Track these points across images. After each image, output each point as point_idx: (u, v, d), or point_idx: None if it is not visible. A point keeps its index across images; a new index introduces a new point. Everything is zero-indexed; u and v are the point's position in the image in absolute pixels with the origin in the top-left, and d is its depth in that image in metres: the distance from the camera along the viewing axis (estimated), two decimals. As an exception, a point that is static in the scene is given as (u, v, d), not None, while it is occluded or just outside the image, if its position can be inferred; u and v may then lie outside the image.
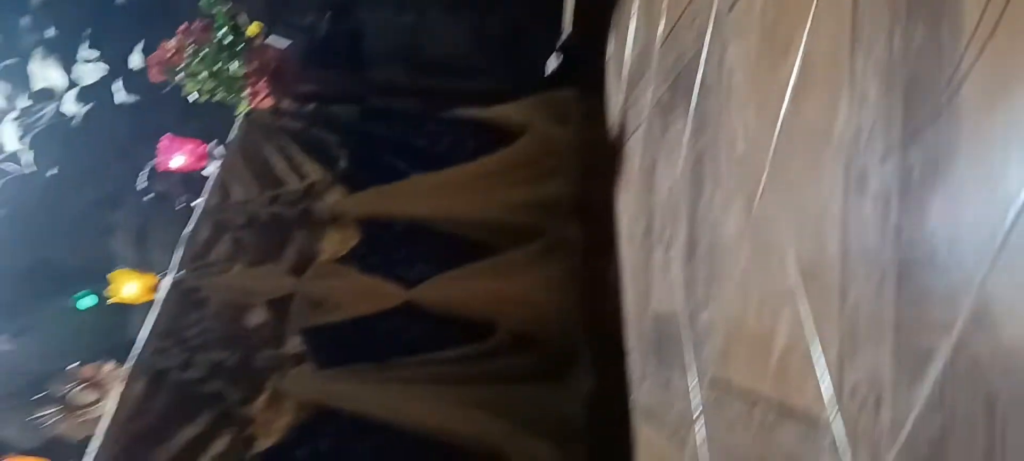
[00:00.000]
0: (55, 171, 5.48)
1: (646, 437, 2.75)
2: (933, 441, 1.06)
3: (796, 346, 1.52)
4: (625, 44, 3.59)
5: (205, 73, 4.27)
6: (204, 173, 4.46)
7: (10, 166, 5.58)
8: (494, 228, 4.27)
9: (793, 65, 1.60)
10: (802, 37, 1.56)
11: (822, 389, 1.39)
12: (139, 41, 5.53)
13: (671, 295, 2.45)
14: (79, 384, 4.20)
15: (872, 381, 1.22)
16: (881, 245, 1.22)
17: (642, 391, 2.84)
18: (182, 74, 4.33)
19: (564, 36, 5.12)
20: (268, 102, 4.42)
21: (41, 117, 5.54)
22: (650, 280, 2.78)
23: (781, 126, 1.66)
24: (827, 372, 1.38)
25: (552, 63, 5.17)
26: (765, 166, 1.73)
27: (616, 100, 3.81)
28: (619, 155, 3.63)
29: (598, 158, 4.12)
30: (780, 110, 1.65)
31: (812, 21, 1.53)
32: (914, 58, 1.17)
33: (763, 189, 1.73)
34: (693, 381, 2.18)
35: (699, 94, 2.28)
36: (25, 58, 5.86)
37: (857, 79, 1.33)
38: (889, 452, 1.16)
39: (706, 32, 2.22)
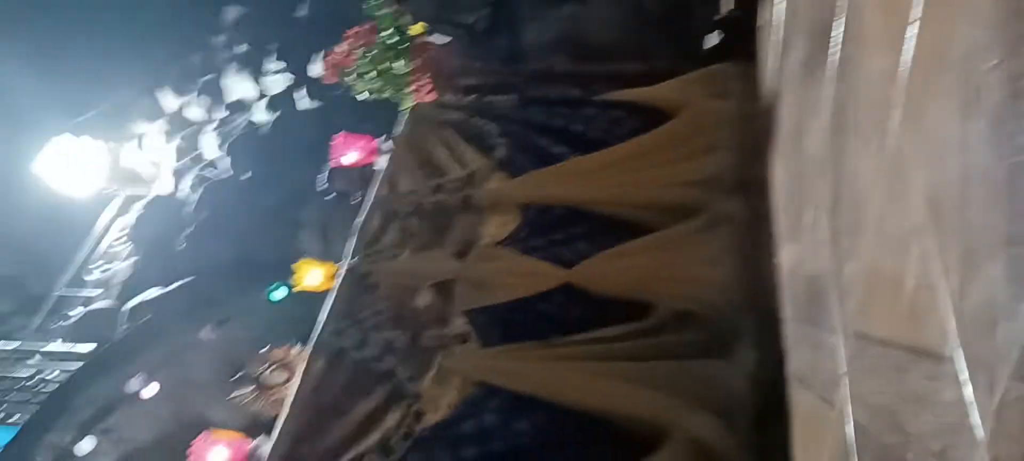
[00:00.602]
0: (248, 175, 5.99)
1: (801, 402, 2.67)
2: (1043, 355, 1.00)
3: (924, 283, 1.45)
4: (774, 9, 3.48)
5: (373, 73, 4.55)
6: (375, 167, 4.75)
7: (210, 172, 6.16)
8: (653, 206, 4.24)
9: (915, -9, 1.52)
10: (922, -41, 1.49)
11: (945, 322, 1.32)
12: (319, 51, 5.95)
13: (819, 254, 2.37)
14: (271, 366, 4.59)
15: (987, 302, 1.16)
16: (994, 159, 1.16)
17: (796, 357, 2.75)
18: (353, 75, 4.63)
19: (723, 11, 5.02)
20: (431, 96, 4.64)
21: (236, 126, 6.08)
22: (801, 243, 2.69)
23: (907, 58, 1.58)
24: (950, 303, 1.32)
25: (711, 39, 5.07)
26: (896, 103, 1.65)
27: (768, 67, 3.70)
28: (773, 122, 3.52)
29: (757, 130, 4.00)
30: (906, 40, 1.58)
31: (929, -61, 1.45)
32: (1018, -45, 1.10)
33: (894, 127, 1.66)
34: (839, 338, 2.10)
35: (837, 44, 2.19)
36: (220, 74, 6.44)
37: (970, -8, 1.26)
38: (1004, 372, 1.09)
39: (842, -24, 2.14)
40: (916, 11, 1.56)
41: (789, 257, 2.99)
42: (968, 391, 1.21)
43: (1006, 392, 1.06)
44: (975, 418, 1.16)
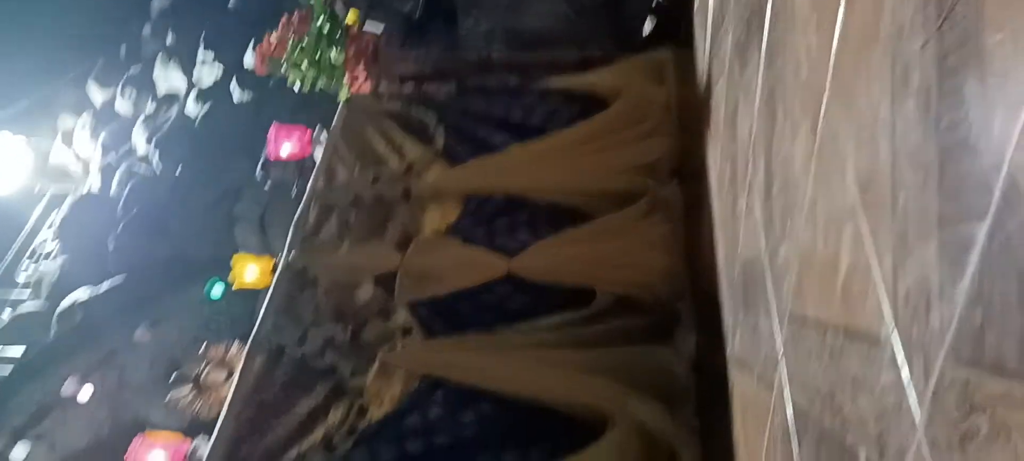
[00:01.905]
0: (180, 169, 5.83)
1: (740, 386, 2.69)
2: (975, 335, 1.00)
3: (857, 265, 1.45)
4: (708, -7, 3.49)
5: (306, 62, 4.45)
6: (312, 159, 4.65)
7: (140, 167, 5.99)
8: (593, 193, 4.26)
9: (844, -28, 1.52)
10: (850, -60, 1.49)
11: (880, 304, 1.33)
12: (250, 40, 5.80)
13: (754, 238, 2.38)
14: (208, 365, 4.49)
15: (921, 284, 1.16)
16: (924, 140, 1.16)
17: (735, 341, 2.77)
18: (285, 65, 4.52)
19: (657, -3, 5.04)
20: (367, 86, 4.55)
21: (166, 120, 5.91)
22: (737, 227, 2.71)
23: (837, 38, 1.58)
24: (883, 285, 1.32)
25: (647, 26, 5.09)
26: (826, 85, 1.65)
27: (703, 53, 3.72)
28: (707, 107, 3.54)
29: (694, 115, 4.03)
30: (836, 21, 1.58)
31: (857, -79, 1.45)
32: (944, -66, 1.10)
33: (825, 108, 1.66)
34: (775, 322, 2.11)
35: (769, 26, 2.20)
36: (149, 65, 6.26)
37: (897, -30, 1.26)
38: (938, 354, 1.10)
39: (772, -41, 2.14)
40: (845, -7, 1.56)
41: (726, 241, 3.01)
42: (904, 374, 1.21)
43: (941, 375, 1.06)
44: (912, 401, 1.16)
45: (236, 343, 4.35)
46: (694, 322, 3.74)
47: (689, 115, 4.09)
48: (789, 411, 1.94)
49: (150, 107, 5.92)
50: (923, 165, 1.16)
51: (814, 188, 1.73)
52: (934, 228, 1.12)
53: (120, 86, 7.33)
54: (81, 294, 6.92)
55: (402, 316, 4.00)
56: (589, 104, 4.49)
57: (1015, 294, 0.90)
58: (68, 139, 8.64)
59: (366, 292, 4.09)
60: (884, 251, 1.32)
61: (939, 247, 1.10)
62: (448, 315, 4.02)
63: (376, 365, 3.83)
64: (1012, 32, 0.92)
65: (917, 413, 1.15)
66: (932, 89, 1.13)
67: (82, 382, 6.07)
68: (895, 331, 1.27)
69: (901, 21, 1.25)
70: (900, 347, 1.24)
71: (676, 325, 3.86)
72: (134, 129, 5.91)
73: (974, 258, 1.00)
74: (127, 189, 6.60)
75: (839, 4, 1.56)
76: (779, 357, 2.08)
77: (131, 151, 6.22)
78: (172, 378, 4.47)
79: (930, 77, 1.13)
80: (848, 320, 1.51)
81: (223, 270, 4.85)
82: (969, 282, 1.01)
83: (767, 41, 2.23)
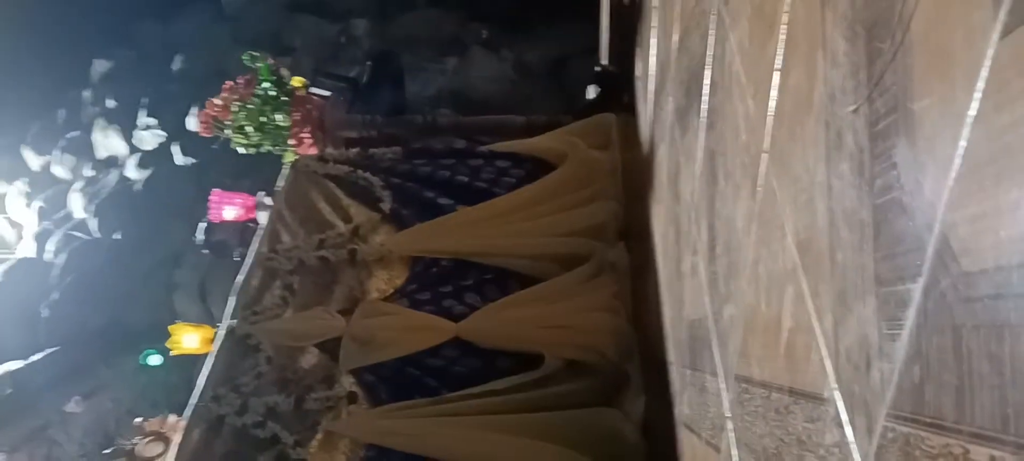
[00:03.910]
0: (119, 235, 5.71)
1: (689, 448, 2.68)
2: (914, 392, 1.01)
3: (799, 324, 1.47)
4: (648, 61, 3.58)
5: (251, 126, 4.42)
6: (255, 224, 4.59)
7: (79, 233, 5.84)
8: (540, 256, 4.26)
9: (779, 39, 1.57)
10: (785, 8, 1.54)
11: (823, 363, 1.34)
12: (194, 104, 5.76)
13: (699, 298, 2.40)
14: (145, 437, 4.32)
15: (861, 343, 1.18)
16: (859, 202, 1.19)
17: (683, 403, 2.78)
18: (230, 129, 4.49)
19: (601, 64, 5.15)
20: (312, 150, 4.54)
21: (105, 185, 5.79)
22: (682, 289, 2.73)
23: (774, 104, 1.63)
24: (825, 344, 1.34)
25: (591, 91, 5.19)
26: (764, 148, 1.70)
27: (645, 118, 3.80)
28: (651, 170, 3.60)
29: (637, 177, 4.10)
30: (772, 88, 1.63)
31: (790, -10, 1.51)
32: (872, 2, 1.14)
33: (764, 171, 1.70)
34: (722, 382, 2.12)
35: (708, 92, 2.25)
36: (88, 130, 6.15)
37: (828, 38, 1.30)
38: (880, 412, 1.11)
39: (710, 29, 2.21)
40: (778, 60, 1.61)
41: (672, 302, 3.04)
42: (848, 432, 1.22)
43: (884, 432, 1.07)
44: (856, 459, 1.17)
45: (172, 415, 4.21)
46: (643, 384, 3.74)
47: (634, 178, 4.15)
48: (737, 472, 1.94)
49: (88, 172, 5.79)
50: (859, 226, 1.19)
51: (756, 249, 1.76)
52: (872, 287, 1.14)
53: (57, 151, 7.19)
54: (12, 364, 6.67)
55: (347, 383, 3.93)
56: (535, 167, 4.53)
57: (951, 350, 0.92)
58: (1, 205, 8.40)
59: (310, 359, 4.02)
60: (824, 311, 1.34)
61: (877, 305, 1.13)
62: (394, 381, 3.96)
63: (320, 435, 3.75)
64: (939, 98, 0.96)
65: (862, 471, 1.16)
66: (865, 152, 1.16)
67: (10, 458, 5.81)
68: (837, 389, 1.28)
69: (833, 88, 1.29)
70: (843, 406, 1.25)
71: (625, 387, 3.86)
72: (71, 194, 5.77)
73: (911, 315, 1.02)
74: (63, 256, 6.42)
75: (774, 71, 1.61)
76: (726, 418, 2.08)
77: (68, 217, 6.06)
78: (106, 452, 4.30)
79: (863, 141, 1.17)
80: (792, 380, 1.52)
81: (161, 339, 4.73)
82: (907, 339, 1.03)
83: (706, 107, 2.29)
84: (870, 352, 1.15)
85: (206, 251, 5.11)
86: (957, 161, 0.91)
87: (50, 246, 6.86)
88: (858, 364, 1.20)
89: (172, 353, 4.42)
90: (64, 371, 5.77)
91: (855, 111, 1.19)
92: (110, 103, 5.88)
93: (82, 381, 5.01)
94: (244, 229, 4.81)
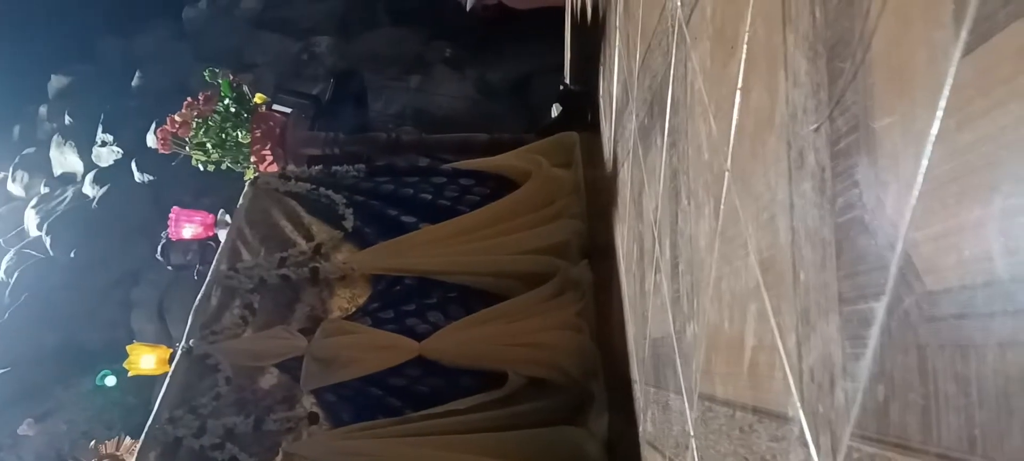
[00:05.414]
0: (73, 254, 5.59)
1: (652, 467, 2.67)
2: (879, 411, 1.01)
3: (762, 343, 1.47)
4: (612, 80, 3.59)
5: (210, 143, 4.36)
6: (214, 242, 4.52)
7: (32, 251, 5.70)
8: (503, 274, 4.26)
9: (740, 59, 1.58)
10: (745, 28, 1.55)
11: (786, 382, 1.34)
12: (152, 121, 5.67)
13: (662, 316, 2.40)
14: (99, 460, 4.23)
15: (825, 361, 1.18)
16: (821, 220, 1.19)
17: (647, 421, 2.77)
18: (189, 145, 4.42)
19: (564, 83, 5.17)
20: (274, 167, 4.49)
21: (61, 202, 5.67)
22: (646, 306, 2.73)
23: (735, 123, 1.63)
24: (788, 363, 1.33)
25: (554, 110, 5.20)
26: (726, 167, 1.70)
27: (608, 136, 3.81)
28: (614, 188, 3.61)
29: (601, 196, 4.11)
30: (733, 107, 1.63)
31: (752, 9, 1.51)
32: (833, 22, 1.15)
33: (726, 190, 1.70)
34: (685, 401, 2.12)
35: (670, 110, 2.26)
36: (44, 147, 6.03)
37: (789, 58, 1.31)
38: (845, 431, 1.10)
39: (671, 48, 2.22)
40: (739, 79, 1.61)
41: (636, 319, 3.04)
42: (812, 452, 1.22)
43: (848, 452, 1.07)
44: (819, 478, 1.16)
45: (127, 437, 4.11)
46: (607, 402, 3.74)
47: (597, 196, 4.16)
48: (701, 491, 1.93)
49: (44, 189, 5.66)
50: (821, 244, 1.19)
51: (718, 267, 1.76)
52: (835, 305, 1.14)
53: (11, 168, 7.02)
54: (-40, 387, 6.46)
55: (308, 403, 3.87)
56: (499, 185, 4.52)
57: (916, 370, 0.92)
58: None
59: (270, 379, 3.96)
60: (788, 329, 1.34)
61: (841, 324, 1.12)
62: (356, 401, 3.91)
63: (280, 457, 3.69)
64: (901, 116, 0.96)
65: (826, 491, 1.15)
66: (826, 171, 1.17)
67: (-42, 483, 5.62)
68: (800, 408, 1.28)
69: (795, 107, 1.29)
70: (807, 425, 1.25)
71: (589, 405, 3.85)
72: (26, 211, 5.64)
73: (874, 334, 1.02)
74: (15, 274, 6.26)
75: (736, 91, 1.61)
76: (690, 436, 2.08)
77: (22, 234, 5.91)
78: (58, 476, 4.19)
79: (824, 160, 1.17)
80: (756, 398, 1.52)
81: (118, 359, 4.64)
82: (871, 359, 1.03)
83: (669, 126, 2.29)
84: (834, 371, 1.15)
85: (170, 268, 5.02)
86: (919, 180, 0.91)
87: (1, 265, 6.68)
88: (822, 383, 1.20)
89: (129, 374, 4.33)
90: (16, 392, 5.61)
91: (817, 130, 1.19)
92: (67, 119, 5.77)
93: (35, 403, 4.87)
94: (202, 248, 4.74)
